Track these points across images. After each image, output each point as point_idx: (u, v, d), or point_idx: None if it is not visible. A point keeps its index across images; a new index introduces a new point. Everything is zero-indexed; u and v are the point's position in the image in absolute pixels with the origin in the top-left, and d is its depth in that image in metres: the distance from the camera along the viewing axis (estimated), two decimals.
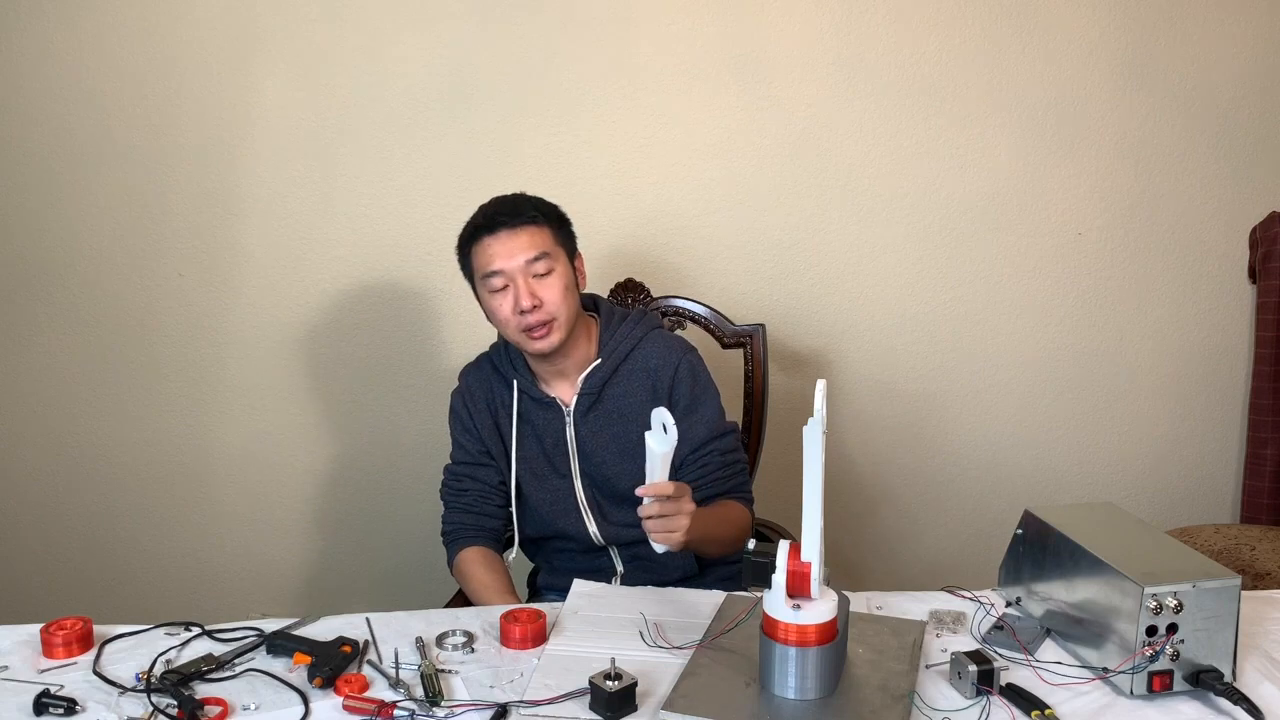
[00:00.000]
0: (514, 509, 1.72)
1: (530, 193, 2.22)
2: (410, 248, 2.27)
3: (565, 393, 1.68)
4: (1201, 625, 1.16)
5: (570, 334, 1.61)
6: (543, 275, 1.57)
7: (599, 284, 2.00)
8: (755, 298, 2.35)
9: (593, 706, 1.16)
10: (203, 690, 1.20)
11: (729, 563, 1.69)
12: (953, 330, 2.43)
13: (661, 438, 1.32)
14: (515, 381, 1.69)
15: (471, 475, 1.73)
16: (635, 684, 1.16)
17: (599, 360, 1.66)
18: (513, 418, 1.69)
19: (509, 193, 1.65)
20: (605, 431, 1.66)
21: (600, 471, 1.66)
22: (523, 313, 1.56)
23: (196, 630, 1.35)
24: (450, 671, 1.25)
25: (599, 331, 1.70)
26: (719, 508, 1.62)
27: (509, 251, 1.57)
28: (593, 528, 1.68)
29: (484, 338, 2.28)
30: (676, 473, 1.61)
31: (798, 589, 1.15)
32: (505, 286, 1.57)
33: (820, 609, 1.15)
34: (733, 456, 1.69)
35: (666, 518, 1.38)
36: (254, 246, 2.25)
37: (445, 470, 1.77)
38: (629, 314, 1.73)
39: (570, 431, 1.67)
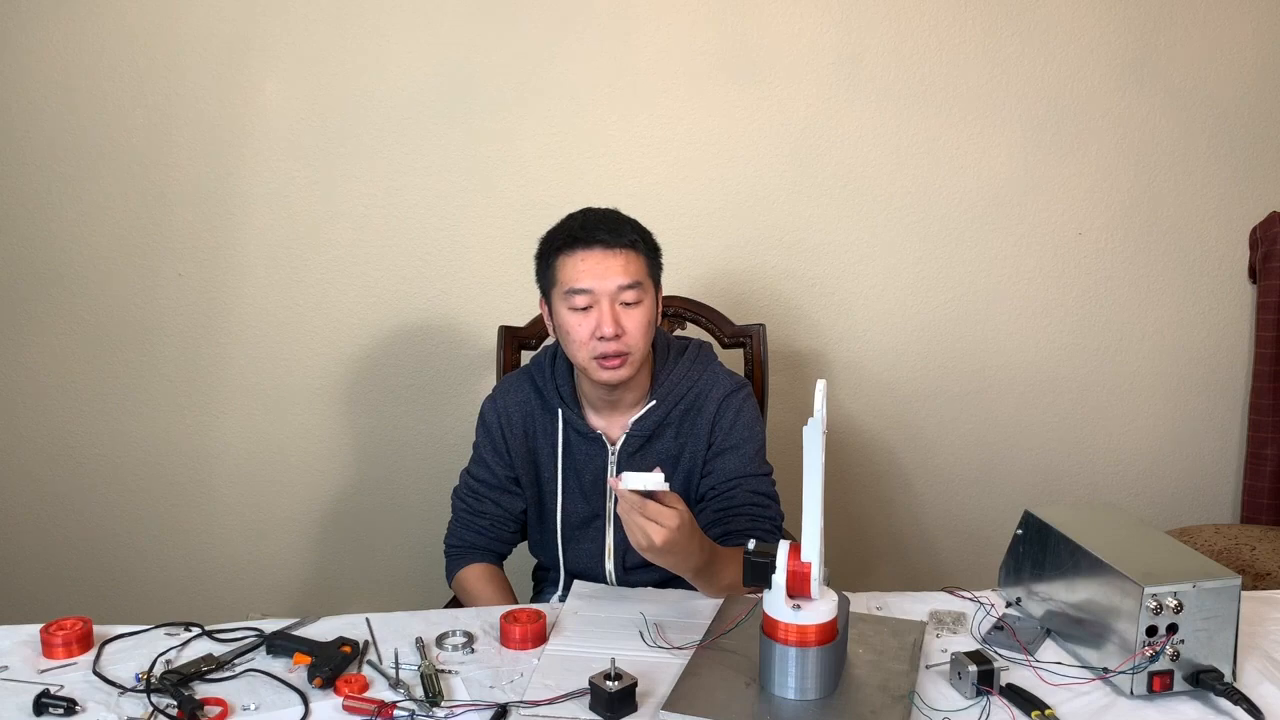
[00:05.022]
0: (560, 553, 1.63)
1: (529, 192, 2.25)
2: (410, 248, 2.27)
3: (612, 427, 1.60)
4: (1201, 625, 1.16)
5: (638, 369, 1.53)
6: (630, 305, 1.49)
7: None
8: (755, 298, 2.35)
9: (593, 706, 1.16)
10: (203, 690, 1.20)
11: None
12: (953, 330, 2.43)
13: (650, 478, 1.27)
14: (561, 411, 1.61)
15: (494, 499, 1.66)
16: (635, 684, 1.16)
17: (653, 402, 1.58)
18: (557, 451, 1.61)
19: (605, 207, 1.56)
20: None
21: None
22: (601, 338, 1.47)
23: (196, 630, 1.35)
24: (450, 672, 1.25)
25: (654, 367, 1.61)
26: (735, 550, 1.47)
27: (603, 271, 1.47)
28: (610, 571, 1.62)
29: (485, 339, 2.29)
30: (701, 502, 1.57)
31: (798, 589, 1.15)
32: (589, 307, 1.48)
33: (820, 609, 1.15)
34: (763, 499, 1.59)
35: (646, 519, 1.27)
36: (254, 246, 2.25)
37: (463, 479, 1.70)
38: (686, 347, 1.65)
39: (612, 470, 1.59)
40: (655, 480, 1.26)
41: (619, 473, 1.57)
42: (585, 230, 1.50)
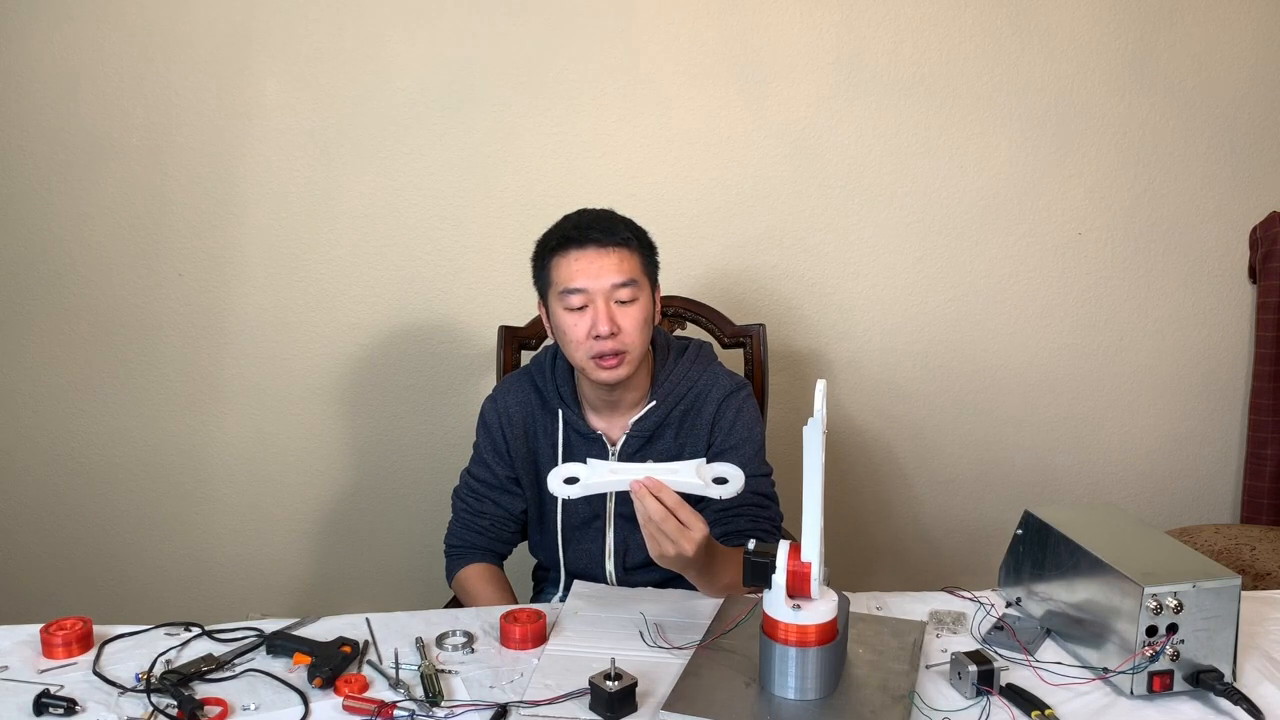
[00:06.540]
0: (560, 553, 1.64)
1: (529, 192, 2.25)
2: (410, 248, 2.27)
3: (613, 428, 1.60)
4: (1201, 625, 1.16)
5: (637, 368, 1.53)
6: (625, 303, 1.49)
7: None
8: (755, 298, 2.35)
9: (593, 706, 1.16)
10: (203, 690, 1.20)
11: None
12: (953, 330, 2.43)
13: (704, 475, 1.28)
14: (561, 412, 1.61)
15: (494, 499, 1.67)
16: (635, 684, 1.16)
17: (653, 403, 1.58)
18: (557, 452, 1.61)
19: (600, 207, 1.56)
20: None
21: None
22: (598, 337, 1.47)
23: (196, 630, 1.35)
24: (450, 671, 1.25)
25: (654, 367, 1.61)
26: (735, 550, 1.47)
27: (597, 270, 1.47)
28: (610, 571, 1.62)
29: (485, 339, 2.29)
30: (701, 502, 1.55)
31: (798, 589, 1.15)
32: (584, 306, 1.48)
33: (820, 609, 1.15)
34: (763, 499, 1.59)
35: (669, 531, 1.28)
36: (254, 246, 2.25)
37: (463, 479, 1.70)
38: (686, 347, 1.65)
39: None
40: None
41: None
42: (579, 230, 1.50)
